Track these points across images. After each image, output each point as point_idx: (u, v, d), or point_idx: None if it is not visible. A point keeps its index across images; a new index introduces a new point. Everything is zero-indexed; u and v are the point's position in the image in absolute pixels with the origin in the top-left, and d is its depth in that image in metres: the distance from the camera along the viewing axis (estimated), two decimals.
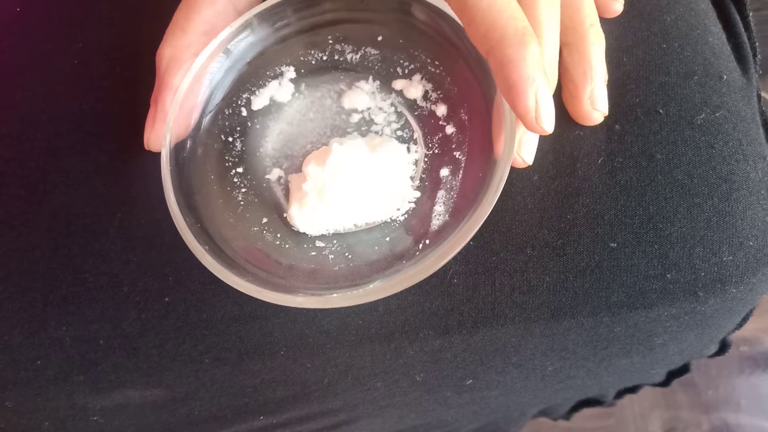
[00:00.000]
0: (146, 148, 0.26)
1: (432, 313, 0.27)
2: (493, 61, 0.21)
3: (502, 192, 0.22)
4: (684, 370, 0.39)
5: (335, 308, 0.26)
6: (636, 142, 0.28)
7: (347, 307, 0.26)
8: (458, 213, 0.24)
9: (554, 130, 0.28)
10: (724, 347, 0.37)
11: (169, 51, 0.26)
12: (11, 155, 0.29)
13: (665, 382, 0.41)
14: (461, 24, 0.24)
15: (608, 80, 0.29)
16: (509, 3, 0.21)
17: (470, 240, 0.23)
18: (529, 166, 0.27)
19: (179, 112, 0.25)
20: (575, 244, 0.27)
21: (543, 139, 0.28)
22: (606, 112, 0.28)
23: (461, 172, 0.26)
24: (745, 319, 0.33)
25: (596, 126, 0.28)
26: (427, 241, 0.25)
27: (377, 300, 0.23)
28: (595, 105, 0.27)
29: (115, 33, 0.31)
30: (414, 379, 0.29)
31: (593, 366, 0.31)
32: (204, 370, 0.27)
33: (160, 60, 0.26)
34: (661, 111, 0.28)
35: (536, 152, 0.28)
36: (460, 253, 0.27)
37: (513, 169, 0.28)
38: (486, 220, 0.22)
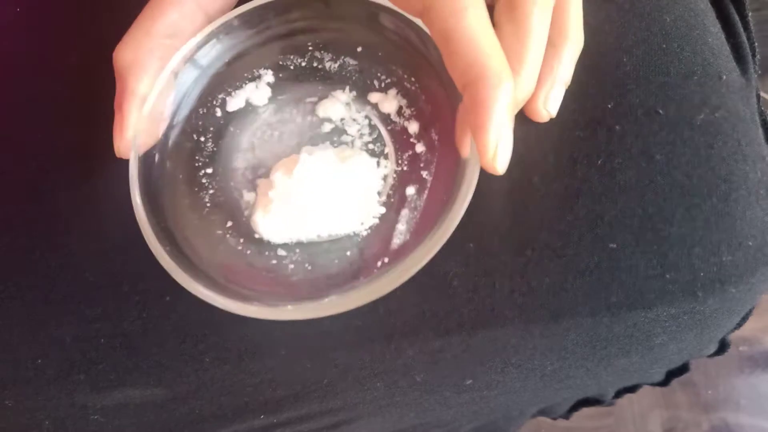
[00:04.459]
0: (117, 156, 0.25)
1: (432, 315, 0.27)
2: (468, 98, 0.22)
3: (502, 192, 0.22)
4: (683, 369, 0.39)
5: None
6: (636, 143, 0.28)
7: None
8: (419, 234, 0.24)
9: (554, 132, 0.28)
10: (723, 347, 0.37)
11: (130, 54, 0.25)
12: (11, 155, 0.29)
13: (665, 382, 0.41)
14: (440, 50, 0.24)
15: (608, 80, 0.29)
16: (490, 41, 0.22)
17: (471, 244, 0.23)
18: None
19: (150, 115, 0.25)
20: (575, 245, 0.27)
21: (542, 141, 0.28)
22: (554, 115, 0.28)
23: (427, 192, 0.26)
24: (744, 319, 0.33)
25: (596, 127, 0.28)
26: (386, 260, 0.25)
27: (377, 300, 0.23)
28: (546, 105, 0.27)
29: (116, 33, 0.31)
30: (414, 380, 0.29)
31: (592, 366, 0.31)
32: (204, 369, 0.27)
33: (119, 62, 0.25)
34: (660, 111, 0.28)
35: (535, 153, 0.28)
36: (459, 254, 0.27)
37: (513, 170, 0.28)
38: (486, 222, 0.22)
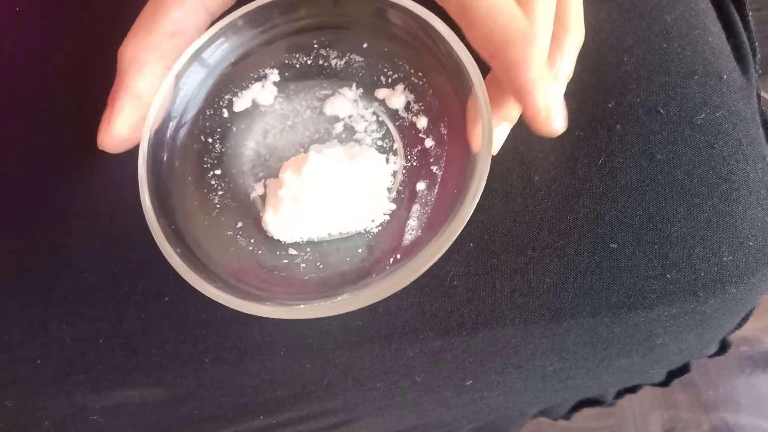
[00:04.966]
0: (99, 148, 0.25)
1: (432, 315, 0.27)
2: (499, 65, 0.21)
3: (502, 193, 0.22)
4: (684, 369, 0.39)
5: None
6: (636, 142, 0.28)
7: None
8: (431, 229, 0.24)
9: None
10: (724, 347, 0.37)
11: (131, 51, 0.25)
12: (11, 155, 0.29)
13: (665, 382, 0.41)
14: (443, 35, 0.24)
15: (609, 80, 0.29)
16: (509, 4, 0.21)
17: (471, 244, 0.22)
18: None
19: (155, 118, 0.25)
20: (576, 245, 0.27)
21: (543, 140, 0.28)
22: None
23: (437, 187, 0.26)
24: (745, 319, 0.33)
25: (597, 126, 0.28)
26: (398, 256, 0.24)
27: (377, 301, 0.23)
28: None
29: (116, 33, 0.31)
30: (414, 380, 0.29)
31: (593, 366, 0.31)
32: (204, 369, 0.27)
33: (121, 59, 0.25)
34: (661, 111, 0.28)
35: (536, 152, 0.28)
36: (459, 254, 0.27)
37: (513, 170, 0.28)
38: (486, 222, 0.22)
